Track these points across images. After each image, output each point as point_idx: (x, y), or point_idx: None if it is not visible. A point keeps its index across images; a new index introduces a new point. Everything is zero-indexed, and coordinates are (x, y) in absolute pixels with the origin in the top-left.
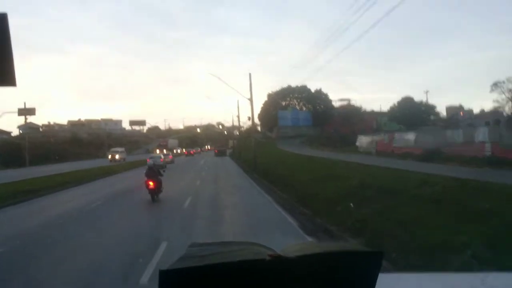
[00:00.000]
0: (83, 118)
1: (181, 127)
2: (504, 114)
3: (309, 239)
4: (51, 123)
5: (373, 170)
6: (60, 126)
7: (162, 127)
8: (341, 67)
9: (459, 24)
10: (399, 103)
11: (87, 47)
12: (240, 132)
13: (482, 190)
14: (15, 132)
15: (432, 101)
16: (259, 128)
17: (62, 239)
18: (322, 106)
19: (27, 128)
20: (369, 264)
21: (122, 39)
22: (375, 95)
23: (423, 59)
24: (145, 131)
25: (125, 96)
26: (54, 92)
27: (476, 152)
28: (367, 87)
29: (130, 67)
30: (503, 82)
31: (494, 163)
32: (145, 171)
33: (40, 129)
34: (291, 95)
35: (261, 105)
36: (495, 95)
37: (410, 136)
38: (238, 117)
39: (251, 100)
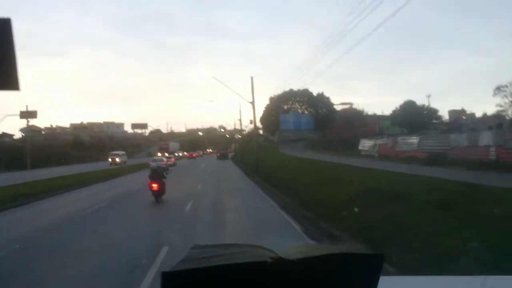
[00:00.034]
0: (85, 121)
1: (183, 130)
2: (507, 118)
3: (313, 243)
4: (54, 126)
5: (377, 174)
6: (63, 129)
7: (164, 130)
8: (343, 71)
9: (461, 29)
10: (402, 107)
11: (89, 50)
12: (242, 135)
13: (491, 195)
14: (18, 135)
15: (434, 105)
16: (261, 132)
17: (63, 243)
18: (324, 110)
19: (29, 131)
20: (371, 267)
21: (125, 42)
22: (377, 99)
23: (425, 63)
24: (147, 134)
25: (127, 99)
26: (57, 95)
27: (481, 155)
28: (369, 91)
29: (133, 71)
30: (506, 86)
31: (499, 167)
32: (149, 174)
33: (42, 132)
34: (293, 99)
35: (263, 109)
36: (498, 99)
37: (414, 140)
38: (240, 120)
39: (253, 103)
